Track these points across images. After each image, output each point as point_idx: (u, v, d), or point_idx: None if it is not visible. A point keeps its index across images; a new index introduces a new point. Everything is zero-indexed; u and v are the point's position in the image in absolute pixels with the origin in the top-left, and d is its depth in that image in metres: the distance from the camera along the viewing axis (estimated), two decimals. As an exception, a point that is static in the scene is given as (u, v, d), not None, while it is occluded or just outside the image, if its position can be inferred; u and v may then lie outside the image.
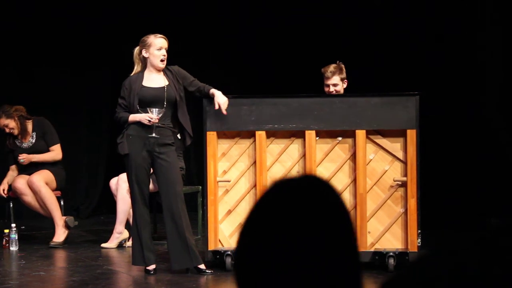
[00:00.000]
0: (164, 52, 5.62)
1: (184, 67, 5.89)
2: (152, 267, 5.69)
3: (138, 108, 5.59)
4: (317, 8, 8.82)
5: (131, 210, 7.02)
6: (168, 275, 5.65)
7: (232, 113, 5.79)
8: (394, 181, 5.76)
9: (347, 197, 5.81)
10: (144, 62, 5.69)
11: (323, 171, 5.84)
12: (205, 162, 5.91)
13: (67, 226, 7.15)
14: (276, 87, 8.34)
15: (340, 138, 5.85)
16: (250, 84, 8.80)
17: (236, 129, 5.88)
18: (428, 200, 6.42)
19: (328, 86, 6.26)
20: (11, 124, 7.26)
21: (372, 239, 5.78)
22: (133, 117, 5.60)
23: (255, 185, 5.87)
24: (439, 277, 1.01)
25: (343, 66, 6.30)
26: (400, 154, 5.76)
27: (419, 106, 5.69)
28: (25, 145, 7.38)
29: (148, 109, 5.52)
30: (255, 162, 5.89)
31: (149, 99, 5.57)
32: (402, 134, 5.75)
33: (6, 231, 7.03)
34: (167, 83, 5.65)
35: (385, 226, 5.78)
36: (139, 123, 5.59)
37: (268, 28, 9.07)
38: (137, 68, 5.73)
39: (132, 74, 5.73)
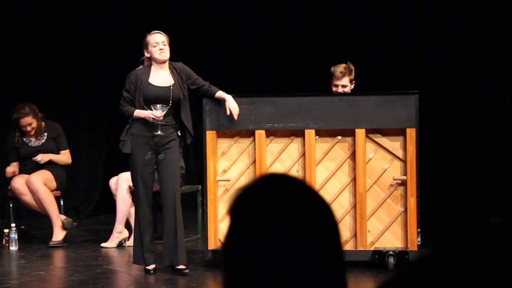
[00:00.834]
0: (161, 46, 5.62)
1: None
2: (151, 266, 5.70)
3: (143, 104, 5.58)
4: (317, 8, 8.82)
5: (131, 209, 7.05)
6: (167, 275, 5.65)
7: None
8: (394, 180, 5.76)
9: (346, 196, 5.81)
10: (149, 60, 5.71)
11: (322, 170, 5.84)
12: (205, 161, 5.91)
13: (64, 228, 7.15)
14: (275, 87, 8.35)
15: (339, 137, 5.85)
16: (250, 83, 8.80)
17: (235, 128, 5.88)
18: (428, 199, 6.42)
19: (337, 86, 6.23)
20: (34, 124, 7.33)
21: (372, 238, 5.78)
22: (138, 113, 5.58)
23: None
24: (436, 279, 1.01)
25: (352, 67, 6.28)
26: (399, 153, 5.76)
27: (418, 105, 5.69)
28: (34, 143, 7.39)
29: (152, 106, 5.50)
30: (254, 161, 5.89)
31: (153, 98, 5.56)
32: (401, 133, 5.74)
33: (6, 230, 7.03)
34: (173, 82, 5.65)
35: (385, 225, 5.78)
36: (143, 121, 5.57)
37: (268, 28, 9.07)
38: None
39: (138, 68, 5.74)
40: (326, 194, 5.79)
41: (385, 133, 5.78)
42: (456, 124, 7.90)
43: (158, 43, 5.61)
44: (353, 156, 5.80)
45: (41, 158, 7.28)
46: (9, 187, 7.41)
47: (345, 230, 5.79)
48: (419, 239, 5.69)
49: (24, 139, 7.40)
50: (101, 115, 9.61)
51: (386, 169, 5.78)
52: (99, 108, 9.58)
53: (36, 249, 6.96)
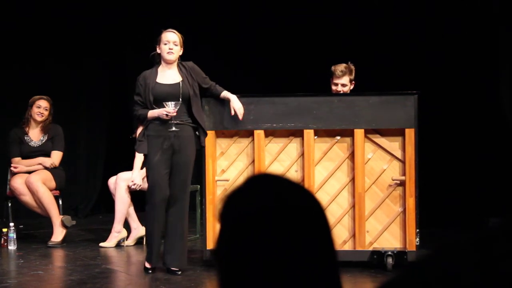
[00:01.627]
0: (171, 45, 5.61)
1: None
2: (152, 265, 5.71)
3: (153, 105, 5.57)
4: (317, 8, 8.82)
5: (129, 209, 7.05)
6: (166, 274, 5.64)
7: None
8: (393, 180, 5.76)
9: (345, 196, 5.80)
10: (159, 58, 5.70)
11: (321, 170, 5.84)
12: (204, 161, 5.90)
13: (64, 225, 7.15)
14: (275, 87, 8.35)
15: (338, 137, 5.85)
16: (249, 83, 8.79)
17: (234, 128, 5.87)
18: (427, 199, 6.42)
19: (336, 85, 6.25)
20: (46, 112, 7.41)
21: (370, 238, 5.78)
22: (151, 113, 5.56)
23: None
24: (436, 280, 1.00)
25: (353, 67, 6.29)
26: (398, 153, 5.75)
27: (418, 105, 5.68)
28: (34, 143, 7.39)
29: (164, 103, 5.49)
30: (253, 161, 5.89)
31: (163, 96, 5.54)
32: (400, 133, 5.74)
33: (5, 230, 7.03)
34: (181, 78, 5.64)
35: (383, 225, 5.77)
36: (157, 121, 5.55)
37: (268, 28, 9.07)
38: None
39: (146, 70, 5.73)
40: (325, 194, 5.79)
41: (384, 133, 5.78)
42: (456, 124, 7.90)
43: (169, 42, 5.61)
44: (352, 156, 5.80)
45: (18, 169, 7.30)
46: (8, 187, 7.41)
47: (343, 230, 5.79)
48: (417, 239, 5.68)
49: (25, 138, 7.40)
50: (100, 115, 9.61)
51: (385, 170, 5.77)
52: (98, 108, 9.58)
53: (35, 249, 6.95)
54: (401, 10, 8.30)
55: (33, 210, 7.26)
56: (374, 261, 5.70)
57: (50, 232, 7.19)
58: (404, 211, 5.73)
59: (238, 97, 5.81)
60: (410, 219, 5.69)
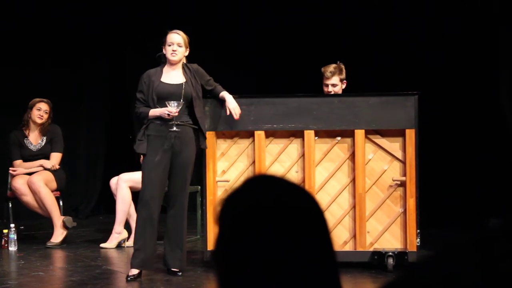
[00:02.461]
0: (174, 47, 5.61)
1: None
2: (134, 272, 5.56)
3: (156, 103, 5.56)
4: (317, 8, 8.82)
5: (130, 210, 7.04)
6: (166, 275, 5.64)
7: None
8: (393, 180, 5.75)
9: (346, 197, 5.80)
10: (165, 58, 5.70)
11: (322, 171, 5.84)
12: (204, 162, 5.90)
13: (65, 226, 7.15)
14: (275, 87, 8.34)
15: (339, 138, 5.84)
16: (249, 83, 8.79)
17: (235, 129, 5.87)
18: (427, 200, 6.42)
19: (327, 86, 6.27)
20: (46, 115, 7.40)
21: (371, 238, 5.77)
22: (153, 111, 5.54)
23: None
24: (437, 282, 1.00)
25: (343, 67, 6.30)
26: (399, 154, 5.75)
27: (418, 106, 5.68)
28: (33, 147, 7.40)
29: (166, 102, 5.47)
30: (254, 162, 5.89)
31: (166, 95, 5.53)
32: (401, 133, 5.74)
33: (5, 231, 7.03)
34: (184, 80, 5.64)
35: (384, 226, 5.77)
36: (159, 120, 5.53)
37: (268, 28, 9.07)
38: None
39: (151, 69, 5.73)
40: (326, 195, 5.79)
41: (384, 134, 5.78)
42: (456, 124, 7.89)
43: (173, 44, 5.61)
44: (352, 157, 5.80)
45: (15, 173, 7.31)
46: (9, 187, 7.41)
47: (344, 231, 5.79)
48: (418, 240, 5.68)
49: (26, 141, 7.40)
50: (100, 115, 9.61)
51: (386, 170, 5.77)
52: (98, 108, 9.58)
53: (35, 250, 6.95)
54: (401, 10, 8.30)
55: (34, 210, 7.26)
56: (375, 261, 5.70)
57: (50, 233, 7.19)
58: (404, 212, 5.73)
59: (238, 97, 5.81)
60: (410, 219, 5.69)
